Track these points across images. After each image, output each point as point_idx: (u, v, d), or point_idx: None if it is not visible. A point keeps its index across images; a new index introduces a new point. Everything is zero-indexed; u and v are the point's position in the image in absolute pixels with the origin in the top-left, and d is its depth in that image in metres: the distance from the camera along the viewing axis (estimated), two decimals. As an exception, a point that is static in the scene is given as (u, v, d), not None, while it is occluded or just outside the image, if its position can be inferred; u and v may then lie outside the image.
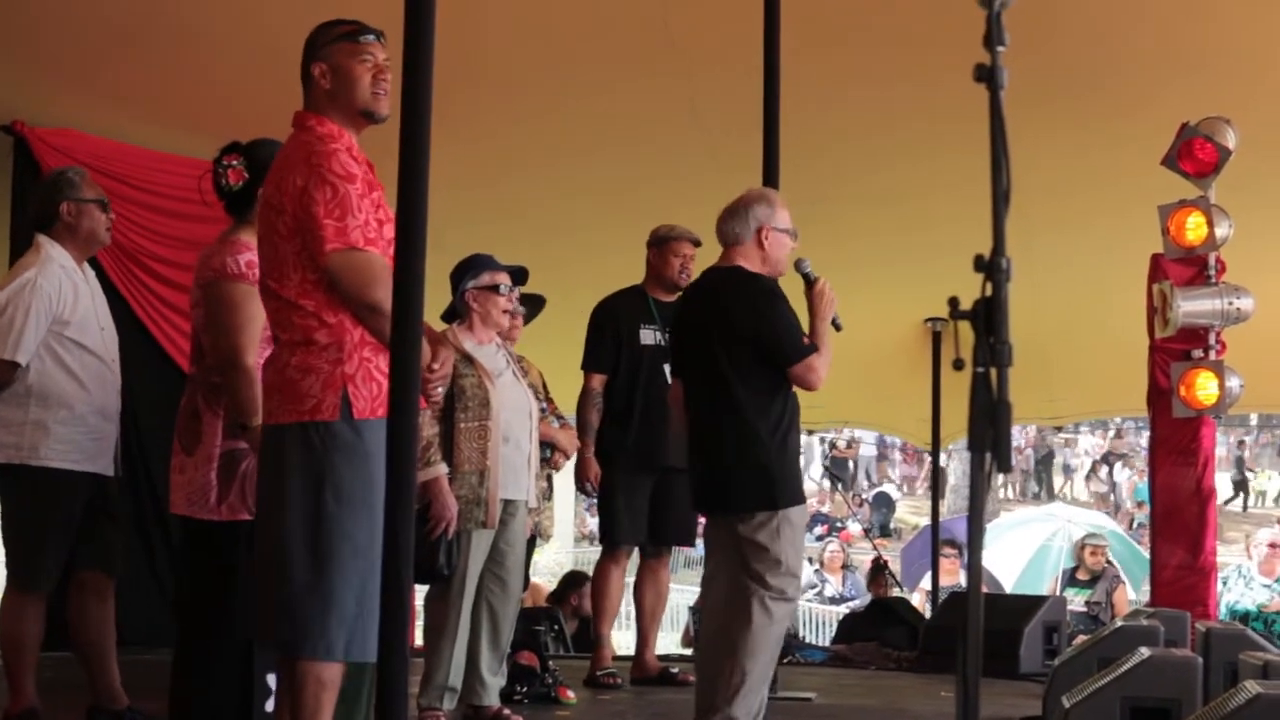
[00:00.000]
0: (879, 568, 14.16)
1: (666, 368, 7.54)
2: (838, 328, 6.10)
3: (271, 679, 5.12)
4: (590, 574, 8.90)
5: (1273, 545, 12.51)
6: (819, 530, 28.02)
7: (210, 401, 5.22)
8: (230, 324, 5.10)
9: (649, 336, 7.81)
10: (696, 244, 7.86)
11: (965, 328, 2.75)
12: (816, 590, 17.89)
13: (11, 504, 6.06)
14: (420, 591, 6.26)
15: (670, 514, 7.77)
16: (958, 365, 2.74)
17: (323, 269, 4.43)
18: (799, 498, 5.97)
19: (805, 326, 6.02)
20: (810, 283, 6.15)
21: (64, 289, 6.04)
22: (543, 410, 7.50)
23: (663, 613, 8.35)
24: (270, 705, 5.14)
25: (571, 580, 12.56)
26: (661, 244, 7.93)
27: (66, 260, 6.13)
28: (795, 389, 6.02)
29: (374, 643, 4.36)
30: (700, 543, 6.76)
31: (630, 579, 8.22)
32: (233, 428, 5.18)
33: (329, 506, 4.39)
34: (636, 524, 7.79)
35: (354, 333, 4.46)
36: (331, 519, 4.39)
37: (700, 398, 6.07)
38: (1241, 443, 38.09)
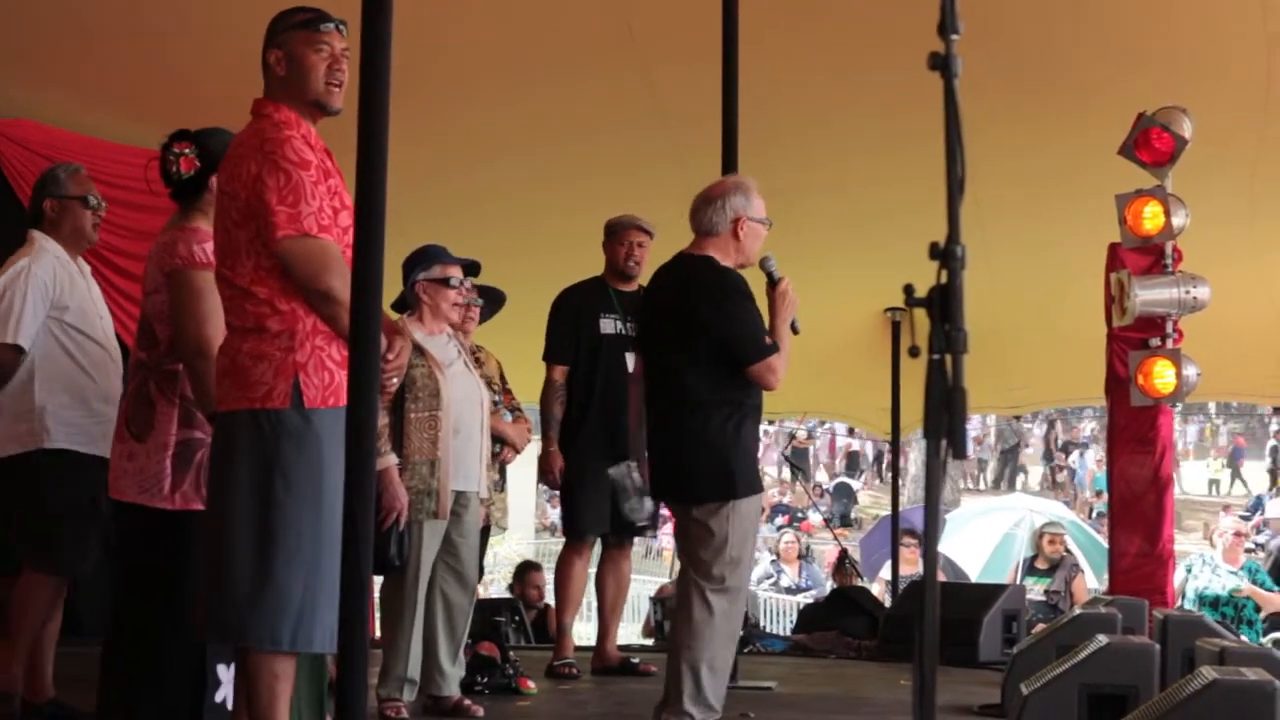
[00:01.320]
0: (844, 559, 14.23)
1: (628, 356, 7.57)
2: (795, 330, 6.07)
3: (221, 669, 5.10)
4: (541, 564, 8.93)
5: (1238, 534, 12.60)
6: (779, 521, 28.04)
7: (164, 389, 5.19)
8: (198, 313, 5.07)
9: (609, 326, 7.81)
10: (647, 233, 7.88)
11: (922, 315, 2.76)
12: (773, 580, 17.91)
13: (28, 492, 6.02)
14: (377, 583, 6.25)
15: (634, 502, 7.76)
16: (913, 352, 2.75)
17: (275, 255, 4.42)
18: (755, 487, 5.97)
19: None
20: (773, 282, 6.13)
21: (59, 275, 6.09)
22: (496, 403, 7.49)
23: (624, 603, 8.36)
24: (219, 696, 5.12)
25: (522, 570, 12.57)
26: (611, 233, 7.96)
27: (60, 252, 6.18)
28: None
29: (320, 633, 4.37)
30: (662, 533, 6.78)
31: (592, 569, 8.22)
32: (190, 416, 5.15)
33: (277, 494, 4.37)
34: (599, 514, 7.78)
35: (306, 321, 4.45)
36: (279, 507, 4.37)
37: (659, 385, 6.07)
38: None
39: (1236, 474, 38.14)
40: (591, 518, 7.79)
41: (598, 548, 8.16)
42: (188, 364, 5.10)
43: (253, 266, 4.46)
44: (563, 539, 8.21)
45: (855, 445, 37.78)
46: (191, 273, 5.12)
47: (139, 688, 5.17)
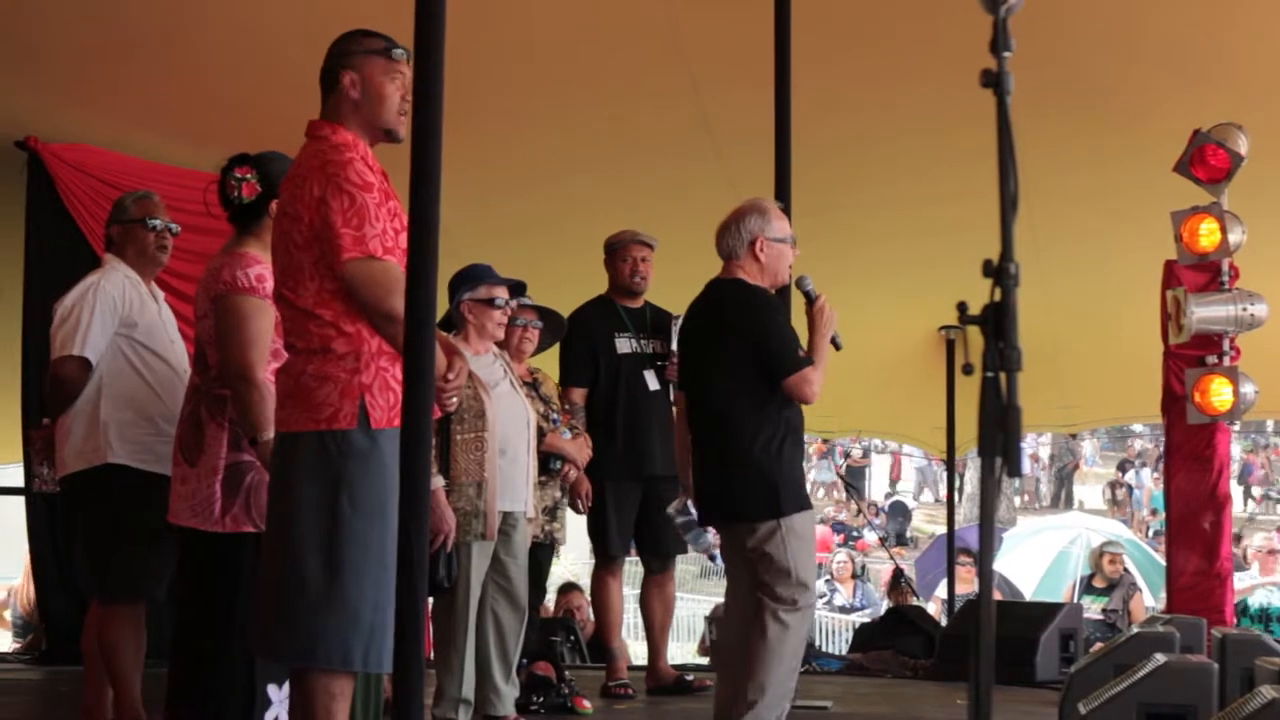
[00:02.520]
0: (899, 578, 14.22)
1: (647, 374, 7.64)
2: (837, 346, 6.12)
3: (272, 690, 5.11)
4: (581, 585, 8.89)
5: (1272, 552, 12.60)
6: (835, 540, 27.95)
7: (214, 413, 5.22)
8: (241, 338, 5.10)
9: (625, 345, 7.85)
10: (649, 246, 7.91)
11: (976, 333, 2.76)
12: (826, 600, 17.91)
13: (91, 509, 6.06)
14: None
15: (666, 525, 7.78)
16: (967, 370, 2.75)
17: (340, 278, 4.44)
18: (803, 504, 5.97)
19: (806, 343, 6.05)
20: (811, 300, 6.17)
21: (128, 293, 6.14)
22: (555, 422, 7.51)
23: (670, 623, 8.37)
24: (270, 715, 5.13)
25: (561, 591, 12.61)
26: (613, 250, 7.99)
27: (130, 273, 6.25)
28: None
29: (390, 653, 4.37)
30: (716, 552, 6.77)
31: (633, 590, 8.22)
32: (239, 440, 5.17)
33: (345, 515, 4.38)
34: (625, 533, 7.81)
35: (371, 342, 4.47)
36: (348, 527, 4.38)
37: (701, 409, 6.09)
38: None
39: (1247, 492, 37.79)
40: (619, 538, 7.81)
41: (631, 566, 8.15)
42: (231, 389, 5.13)
43: (316, 289, 4.48)
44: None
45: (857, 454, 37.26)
46: (235, 298, 5.15)
47: (191, 708, 5.19)
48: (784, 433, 5.92)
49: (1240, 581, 12.44)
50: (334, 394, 4.43)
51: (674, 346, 7.69)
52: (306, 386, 4.46)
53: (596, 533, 7.94)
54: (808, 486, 6.27)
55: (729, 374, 5.93)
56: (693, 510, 6.30)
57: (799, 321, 6.16)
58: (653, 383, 7.76)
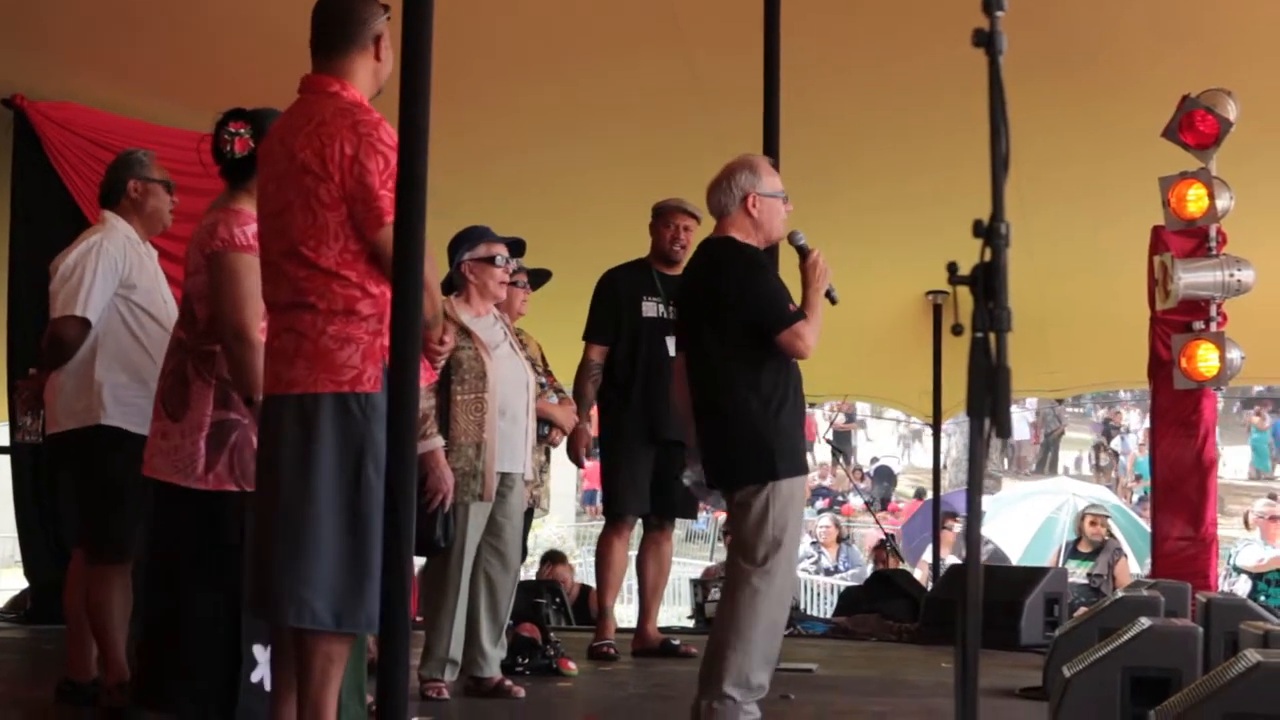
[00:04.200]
0: (884, 542, 14.31)
1: (668, 340, 7.58)
2: (833, 300, 6.06)
3: (258, 650, 5.07)
4: (565, 555, 8.88)
5: (1273, 518, 12.66)
6: (820, 504, 28.00)
7: (201, 370, 5.16)
8: (237, 297, 5.05)
9: (651, 309, 7.83)
10: (693, 216, 7.89)
11: (965, 295, 2.75)
12: (813, 560, 17.95)
13: (83, 470, 6.06)
14: (418, 564, 6.26)
15: (673, 486, 7.78)
16: (956, 330, 2.73)
17: (373, 240, 4.40)
18: (797, 469, 5.93)
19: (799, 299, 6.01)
20: (804, 255, 6.13)
21: (128, 253, 6.13)
22: (542, 385, 7.51)
23: (664, 585, 8.37)
24: (256, 676, 5.10)
25: (546, 559, 12.64)
26: (658, 215, 7.99)
27: (131, 232, 6.23)
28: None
29: None
30: (703, 515, 6.78)
31: (632, 552, 8.24)
32: (226, 398, 5.13)
33: (369, 478, 4.35)
34: (639, 495, 7.80)
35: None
36: (371, 490, 4.34)
37: (698, 372, 6.06)
38: None
39: None
40: (632, 498, 7.82)
41: (638, 530, 8.18)
42: (225, 347, 5.08)
43: (339, 249, 4.43)
44: (602, 520, 8.24)
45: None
46: (231, 255, 5.11)
47: (173, 667, 5.15)
48: (783, 394, 5.88)
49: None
50: (356, 356, 4.40)
51: None
52: (326, 348, 4.41)
53: (607, 492, 8.00)
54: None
55: (725, 337, 5.88)
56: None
57: (793, 277, 6.11)
58: (674, 348, 7.76)
